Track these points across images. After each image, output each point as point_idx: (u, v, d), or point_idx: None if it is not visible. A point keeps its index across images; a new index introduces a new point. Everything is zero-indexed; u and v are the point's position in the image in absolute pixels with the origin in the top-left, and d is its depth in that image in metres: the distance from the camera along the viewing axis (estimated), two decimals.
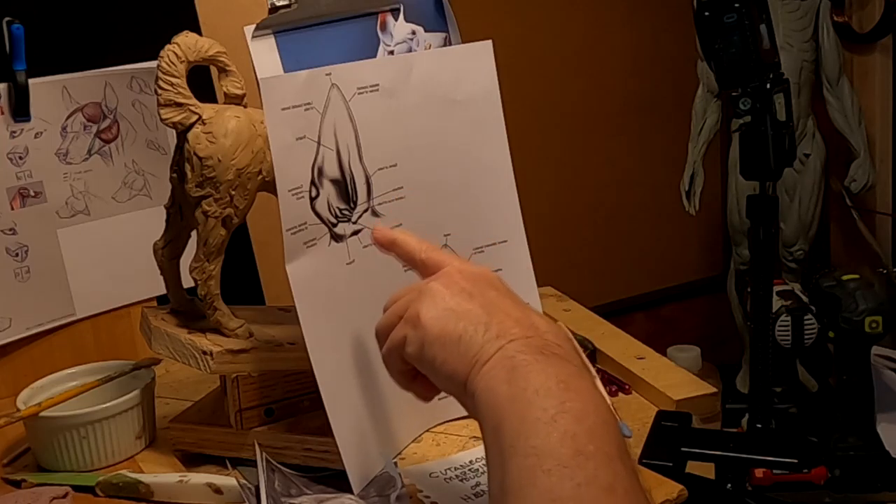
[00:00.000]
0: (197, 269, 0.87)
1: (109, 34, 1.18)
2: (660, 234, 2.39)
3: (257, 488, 0.79)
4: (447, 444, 0.89)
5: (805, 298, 2.02)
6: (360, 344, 0.81)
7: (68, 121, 1.14)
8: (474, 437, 0.90)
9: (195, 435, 0.90)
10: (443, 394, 0.89)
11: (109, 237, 1.18)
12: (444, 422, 0.92)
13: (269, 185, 0.84)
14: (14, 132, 1.10)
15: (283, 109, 0.75)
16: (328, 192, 0.79)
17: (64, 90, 1.13)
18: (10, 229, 1.11)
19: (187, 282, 0.90)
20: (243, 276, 1.24)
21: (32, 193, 1.12)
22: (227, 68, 0.88)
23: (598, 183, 2.29)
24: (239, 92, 0.88)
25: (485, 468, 0.69)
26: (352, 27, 0.92)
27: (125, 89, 1.17)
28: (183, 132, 0.85)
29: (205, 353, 0.85)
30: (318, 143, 0.78)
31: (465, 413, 0.64)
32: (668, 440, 0.93)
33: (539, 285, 0.93)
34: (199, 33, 0.86)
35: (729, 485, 1.09)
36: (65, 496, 0.84)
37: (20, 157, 1.11)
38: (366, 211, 0.82)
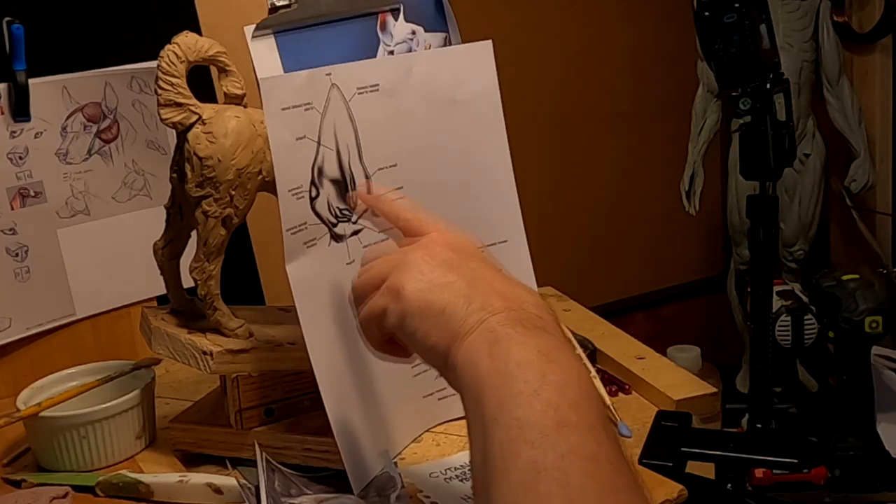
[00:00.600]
0: (197, 269, 0.87)
1: (109, 34, 1.18)
2: (660, 234, 2.39)
3: (257, 488, 0.79)
4: (447, 444, 0.89)
5: (805, 298, 2.02)
6: (360, 344, 0.81)
7: (68, 121, 1.14)
8: None
9: (195, 435, 0.90)
10: (443, 394, 0.90)
11: (109, 237, 1.18)
12: (444, 422, 0.92)
13: (269, 185, 0.84)
14: (14, 132, 1.10)
15: (283, 109, 0.75)
16: (328, 192, 0.79)
17: (64, 90, 1.13)
18: (10, 229, 1.11)
19: (187, 282, 0.90)
20: (243, 276, 1.24)
21: (32, 193, 1.12)
22: (227, 68, 0.88)
23: (598, 183, 2.29)
24: (239, 92, 0.88)
25: None
26: (352, 27, 0.92)
27: (125, 89, 1.17)
28: (183, 132, 0.85)
29: (205, 353, 0.85)
30: (318, 143, 0.78)
31: (464, 413, 0.64)
32: (668, 440, 0.93)
33: (539, 285, 0.93)
34: (199, 33, 0.86)
35: (729, 485, 1.09)
36: (65, 496, 0.84)
37: (20, 157, 1.11)
38: (366, 211, 0.82)
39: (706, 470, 1.02)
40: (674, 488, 0.83)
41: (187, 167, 0.84)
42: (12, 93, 1.09)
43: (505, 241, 0.91)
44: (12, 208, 1.11)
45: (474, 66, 0.89)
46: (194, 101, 0.85)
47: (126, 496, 0.85)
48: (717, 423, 1.13)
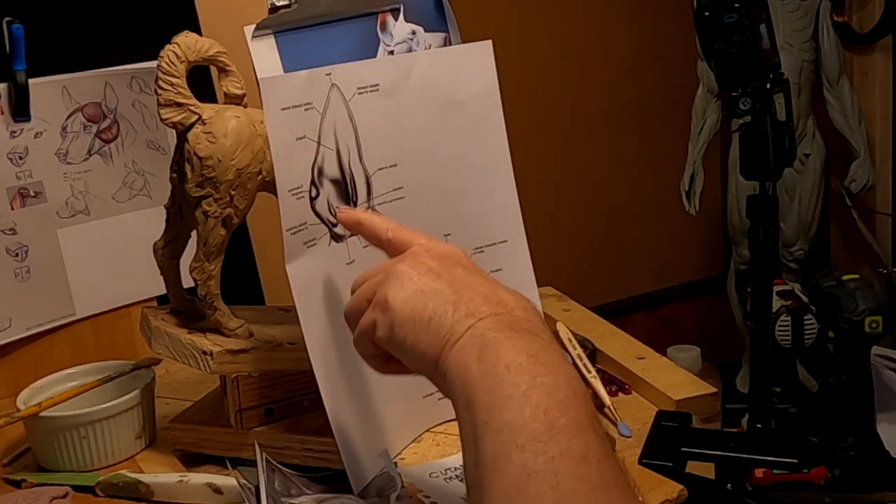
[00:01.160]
0: (197, 269, 0.87)
1: (109, 34, 1.18)
2: (660, 234, 2.39)
3: (257, 488, 0.79)
4: (447, 444, 0.89)
5: (805, 298, 2.02)
6: None
7: (68, 121, 1.14)
8: None
9: (195, 435, 0.90)
10: (443, 394, 0.90)
11: (109, 237, 1.18)
12: (444, 422, 0.92)
13: (269, 185, 0.84)
14: (14, 132, 1.10)
15: (283, 109, 0.75)
16: (328, 192, 0.79)
17: (64, 90, 1.13)
18: (10, 229, 1.11)
19: (187, 282, 0.90)
20: (243, 276, 1.24)
21: (32, 193, 1.12)
22: (227, 68, 0.87)
23: (598, 183, 2.29)
24: (239, 92, 0.88)
25: None
26: (352, 27, 0.92)
27: (125, 89, 1.17)
28: (183, 132, 0.85)
29: (205, 353, 0.85)
30: (318, 143, 0.78)
31: (456, 418, 0.64)
32: (668, 440, 0.93)
33: (539, 285, 0.93)
34: (199, 33, 0.86)
35: (729, 485, 1.09)
36: (65, 496, 0.84)
37: (20, 157, 1.11)
38: (366, 211, 0.82)
39: (706, 470, 1.02)
40: (674, 488, 0.82)
41: (187, 167, 0.84)
42: (12, 93, 1.09)
43: (505, 241, 0.91)
44: (12, 208, 1.11)
45: (474, 66, 0.89)
46: (194, 101, 0.85)
47: (126, 496, 0.85)
48: (717, 423, 1.13)
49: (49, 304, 1.14)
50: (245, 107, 0.88)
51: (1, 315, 1.11)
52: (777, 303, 1.98)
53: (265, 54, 0.86)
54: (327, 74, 0.78)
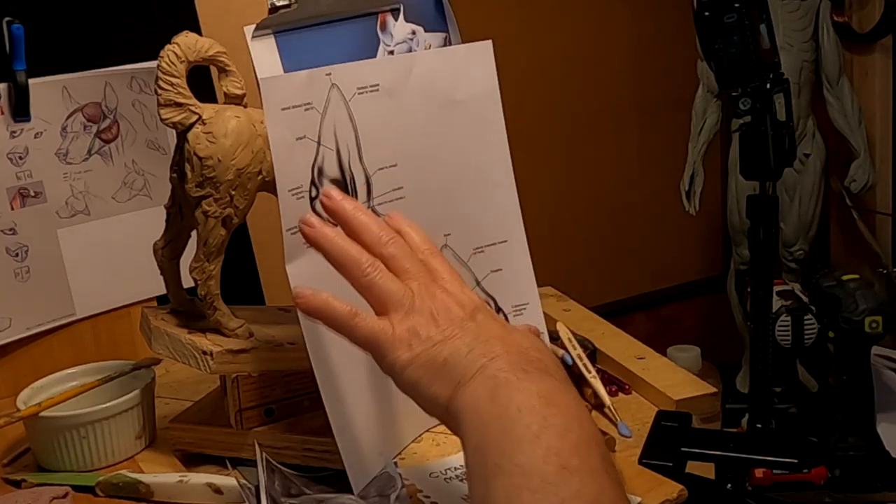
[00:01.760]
0: (197, 269, 0.87)
1: (109, 34, 1.18)
2: (660, 234, 2.39)
3: (257, 488, 0.79)
4: (447, 444, 0.89)
5: (805, 298, 2.02)
6: None
7: (68, 121, 1.14)
8: None
9: (195, 435, 0.90)
10: None
11: (109, 237, 1.18)
12: None
13: (269, 185, 0.84)
14: (14, 132, 1.10)
15: (283, 109, 0.75)
16: None
17: (64, 90, 1.13)
18: (10, 229, 1.11)
19: (187, 282, 0.90)
20: (243, 276, 1.24)
21: (32, 193, 1.12)
22: (227, 68, 0.87)
23: (598, 183, 2.29)
24: (239, 92, 0.88)
25: None
26: (352, 27, 0.92)
27: (125, 89, 1.17)
28: (183, 132, 0.85)
29: (205, 353, 0.85)
30: (318, 143, 0.78)
31: (465, 458, 0.63)
32: (668, 440, 0.93)
33: (539, 285, 0.93)
34: (199, 33, 0.86)
35: (729, 485, 1.09)
36: (65, 496, 0.84)
37: (20, 157, 1.11)
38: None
39: (706, 470, 1.02)
40: (674, 488, 0.82)
41: (187, 167, 0.84)
42: (12, 93, 1.09)
43: (505, 241, 0.91)
44: (12, 208, 1.11)
45: (474, 66, 0.89)
46: (194, 101, 0.85)
47: (126, 496, 0.85)
48: (717, 423, 1.13)
49: (49, 304, 1.14)
50: (245, 107, 0.88)
51: (1, 315, 1.11)
52: (777, 303, 1.98)
53: (265, 54, 0.86)
54: (327, 74, 0.78)
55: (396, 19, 0.93)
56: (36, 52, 1.10)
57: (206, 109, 0.85)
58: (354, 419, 0.81)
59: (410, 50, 0.94)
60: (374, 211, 0.82)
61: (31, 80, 1.10)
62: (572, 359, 1.02)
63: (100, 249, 1.17)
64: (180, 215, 0.90)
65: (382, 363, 0.65)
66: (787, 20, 2.11)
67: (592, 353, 1.09)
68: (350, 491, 0.80)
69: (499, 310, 0.92)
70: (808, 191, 2.20)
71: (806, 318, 1.98)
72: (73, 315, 1.16)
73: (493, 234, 0.90)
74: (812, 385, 2.20)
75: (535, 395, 0.57)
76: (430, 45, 0.95)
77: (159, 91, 0.84)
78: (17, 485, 0.90)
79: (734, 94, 1.29)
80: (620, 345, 1.14)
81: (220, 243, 0.86)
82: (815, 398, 2.15)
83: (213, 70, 0.88)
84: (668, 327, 2.43)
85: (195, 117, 0.84)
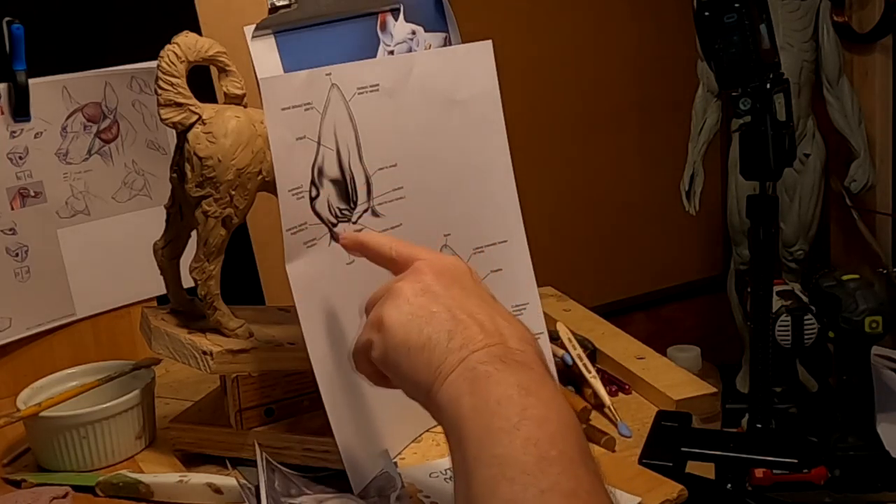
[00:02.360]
0: (197, 269, 0.87)
1: (109, 34, 1.18)
2: (660, 234, 2.39)
3: (257, 488, 0.79)
4: (447, 445, 0.89)
5: (805, 298, 2.02)
6: None
7: (68, 121, 1.14)
8: None
9: (195, 435, 0.90)
10: None
11: (109, 237, 1.18)
12: None
13: (269, 185, 0.84)
14: (14, 132, 1.10)
15: (283, 109, 0.75)
16: (328, 192, 0.79)
17: (64, 90, 1.13)
18: (10, 229, 1.11)
19: (187, 282, 0.90)
20: (243, 276, 1.24)
21: (32, 193, 1.12)
22: (227, 68, 0.88)
23: (598, 183, 2.29)
24: (239, 92, 0.88)
25: None
26: (352, 27, 0.92)
27: (125, 89, 1.17)
28: (183, 132, 0.85)
29: (205, 353, 0.85)
30: (318, 143, 0.78)
31: (448, 450, 0.64)
32: (668, 440, 0.93)
33: (539, 285, 0.93)
34: (199, 33, 0.86)
35: (729, 485, 1.09)
36: (65, 496, 0.84)
37: (20, 157, 1.11)
38: (366, 211, 0.82)
39: (706, 470, 1.02)
40: (674, 488, 0.82)
41: (187, 167, 0.84)
42: (12, 93, 1.09)
43: (505, 241, 0.91)
44: (12, 208, 1.11)
45: (474, 66, 0.89)
46: (194, 101, 0.85)
47: (126, 496, 0.85)
48: (717, 423, 1.13)
49: (49, 304, 1.14)
50: (245, 107, 0.88)
51: (1, 315, 1.11)
52: (777, 303, 1.98)
53: (265, 54, 0.86)
54: (327, 74, 0.78)
55: (396, 19, 0.94)
56: (36, 52, 1.10)
57: (206, 109, 0.85)
58: (354, 419, 0.81)
59: (410, 50, 0.94)
60: (373, 211, 0.82)
61: (31, 80, 1.10)
62: (572, 359, 1.02)
63: (100, 249, 1.17)
64: (180, 215, 0.90)
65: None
66: (787, 20, 2.11)
67: (592, 353, 1.09)
68: (350, 491, 0.80)
69: None
70: (808, 191, 2.20)
71: (806, 318, 1.98)
72: (73, 315, 1.16)
73: (492, 234, 0.90)
74: (812, 385, 2.20)
75: (514, 386, 0.57)
76: (430, 45, 0.95)
77: (159, 91, 0.84)
78: (17, 485, 0.90)
79: (734, 94, 1.29)
80: (620, 345, 1.14)
81: (220, 243, 0.86)
82: (815, 398, 2.15)
83: (213, 70, 0.88)
84: (668, 327, 2.43)
85: (195, 117, 0.84)
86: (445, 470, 0.85)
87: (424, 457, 0.88)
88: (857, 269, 1.93)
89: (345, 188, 0.80)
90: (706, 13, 1.27)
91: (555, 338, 1.05)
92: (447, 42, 0.96)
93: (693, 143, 2.22)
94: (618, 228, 2.34)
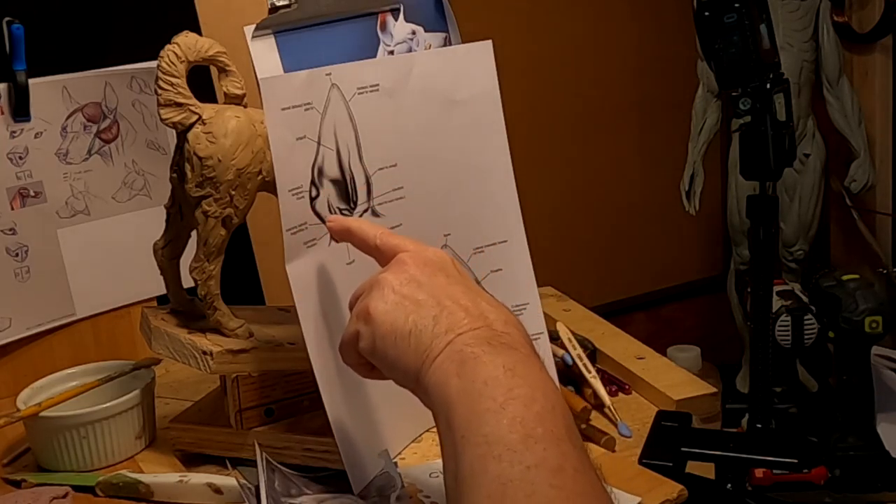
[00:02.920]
0: (197, 269, 0.87)
1: (109, 34, 1.18)
2: (660, 234, 2.39)
3: (257, 488, 0.79)
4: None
5: (805, 298, 2.02)
6: None
7: (68, 121, 1.14)
8: None
9: (195, 435, 0.90)
10: None
11: (109, 237, 1.18)
12: None
13: (269, 185, 0.84)
14: (14, 132, 1.10)
15: (283, 109, 0.75)
16: (328, 192, 0.79)
17: (64, 90, 1.13)
18: (10, 229, 1.11)
19: (187, 282, 0.90)
20: (243, 276, 1.24)
21: (32, 193, 1.12)
22: (227, 68, 0.88)
23: (598, 183, 2.29)
24: (239, 92, 0.88)
25: None
26: (352, 27, 0.92)
27: (125, 89, 1.17)
28: (183, 132, 0.85)
29: (205, 353, 0.85)
30: (318, 143, 0.78)
31: (437, 433, 0.64)
32: (668, 440, 0.93)
33: (539, 285, 0.93)
34: (199, 33, 0.86)
35: (729, 485, 1.09)
36: (65, 496, 0.84)
37: (20, 157, 1.11)
38: (366, 211, 0.82)
39: (706, 470, 1.02)
40: (674, 488, 0.82)
41: (187, 167, 0.84)
42: (12, 93, 1.09)
43: (505, 241, 0.91)
44: (12, 208, 1.11)
45: (474, 66, 0.89)
46: (194, 101, 0.85)
47: (126, 496, 0.85)
48: (717, 423, 1.13)
49: (49, 304, 1.14)
50: (245, 107, 0.88)
51: (1, 315, 1.11)
52: (777, 303, 1.98)
53: (265, 54, 0.86)
54: (327, 74, 0.78)
55: (396, 19, 0.93)
56: (36, 52, 1.10)
57: (206, 109, 0.85)
58: (354, 419, 0.81)
59: (410, 50, 0.94)
60: (373, 211, 0.82)
61: (31, 80, 1.10)
62: (572, 359, 1.02)
63: (100, 249, 1.17)
64: (180, 215, 0.90)
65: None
66: (787, 20, 2.11)
67: (592, 353, 1.09)
68: (350, 491, 0.80)
69: None
70: (808, 191, 2.20)
71: (806, 318, 1.98)
72: (73, 315, 1.16)
73: (492, 234, 0.90)
74: (812, 385, 2.20)
75: (500, 367, 0.58)
76: (430, 45, 0.95)
77: (159, 91, 0.84)
78: (17, 485, 0.90)
79: (734, 94, 1.29)
80: (620, 345, 1.14)
81: (220, 243, 0.86)
82: (815, 398, 2.15)
83: (213, 70, 0.88)
84: (668, 327, 2.43)
85: (195, 117, 0.84)
86: None
87: (424, 457, 0.88)
88: (857, 269, 1.93)
89: (345, 188, 0.80)
90: (706, 13, 1.27)
91: (555, 338, 1.05)
92: (447, 42, 0.96)
93: (693, 143, 2.22)
94: (618, 228, 2.34)
